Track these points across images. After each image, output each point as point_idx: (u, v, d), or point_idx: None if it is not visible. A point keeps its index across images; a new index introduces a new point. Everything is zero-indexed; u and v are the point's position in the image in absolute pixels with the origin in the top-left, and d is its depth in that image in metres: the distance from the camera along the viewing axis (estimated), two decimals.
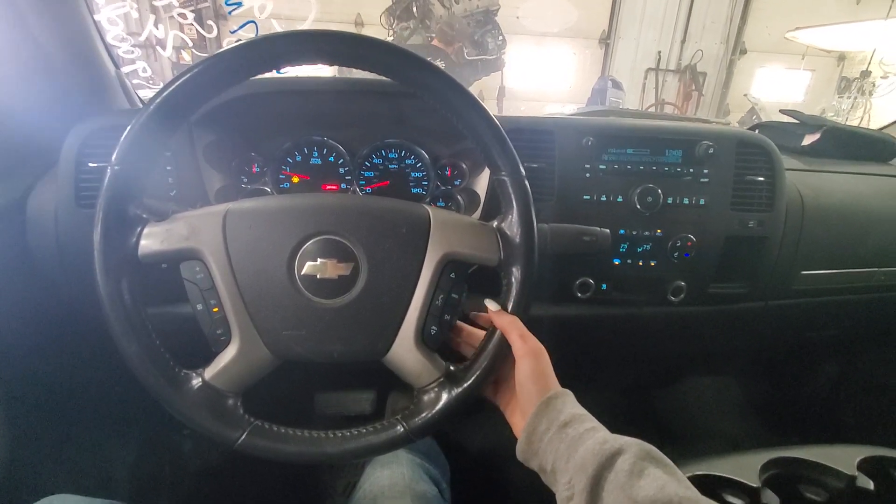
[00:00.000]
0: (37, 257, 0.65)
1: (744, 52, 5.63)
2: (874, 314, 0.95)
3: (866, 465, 0.58)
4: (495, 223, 0.48)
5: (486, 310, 0.49)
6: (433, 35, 3.37)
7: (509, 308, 0.47)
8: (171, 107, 0.41)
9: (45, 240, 0.64)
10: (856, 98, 5.00)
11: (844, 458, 0.58)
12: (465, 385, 0.46)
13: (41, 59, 0.66)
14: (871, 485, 0.56)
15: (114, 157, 0.41)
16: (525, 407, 0.45)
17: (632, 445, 0.37)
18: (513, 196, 0.46)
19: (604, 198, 0.70)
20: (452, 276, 0.47)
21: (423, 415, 0.46)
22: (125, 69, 0.79)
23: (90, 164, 0.61)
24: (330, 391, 0.99)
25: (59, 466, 0.76)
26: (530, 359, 0.45)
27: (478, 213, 0.70)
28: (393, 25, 3.86)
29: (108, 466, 0.86)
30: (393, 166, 0.76)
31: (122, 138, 0.41)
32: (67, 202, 0.62)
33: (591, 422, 0.42)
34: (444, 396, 0.47)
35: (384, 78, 0.44)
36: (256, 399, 0.51)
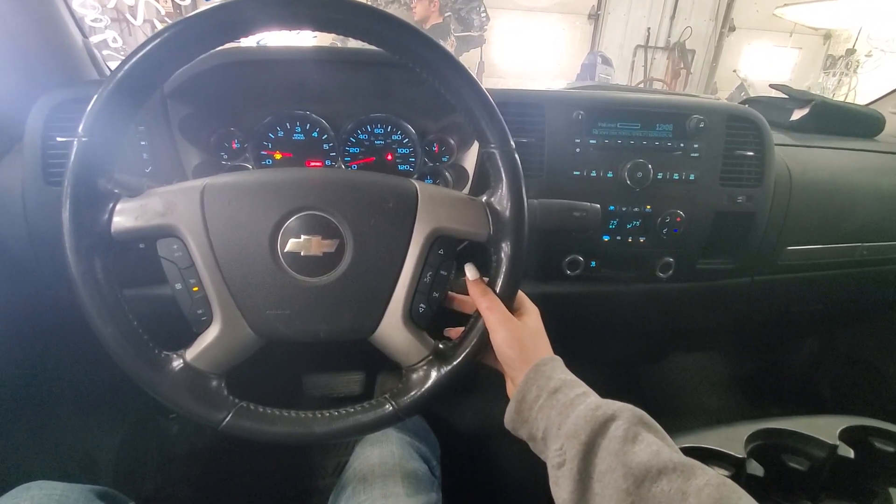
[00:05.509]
0: (5, 239, 0.62)
1: (732, 29, 5.59)
2: (857, 289, 0.97)
3: (847, 435, 0.59)
4: (484, 197, 0.47)
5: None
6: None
7: (498, 284, 0.46)
8: (140, 74, 0.39)
9: (12, 221, 0.61)
10: (842, 75, 5.03)
11: (826, 428, 0.60)
12: (455, 363, 0.46)
13: (1, 28, 0.62)
14: (851, 453, 0.58)
15: (80, 129, 0.39)
16: (510, 374, 0.45)
17: (624, 411, 0.37)
18: (502, 169, 0.44)
19: (594, 173, 0.69)
20: (441, 252, 0.46)
21: (412, 393, 0.46)
22: (94, 39, 0.75)
23: (58, 139, 0.58)
24: (318, 373, 0.99)
25: (39, 453, 0.74)
26: (501, 327, 0.44)
27: (466, 190, 0.69)
28: None
29: (93, 451, 0.85)
30: (379, 142, 0.74)
31: (89, 108, 0.39)
32: (35, 180, 0.59)
33: (581, 387, 0.41)
34: (433, 374, 0.46)
35: (368, 47, 0.42)
36: (243, 382, 0.50)
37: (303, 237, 0.43)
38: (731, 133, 0.72)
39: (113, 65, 0.77)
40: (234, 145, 0.71)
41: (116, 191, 0.42)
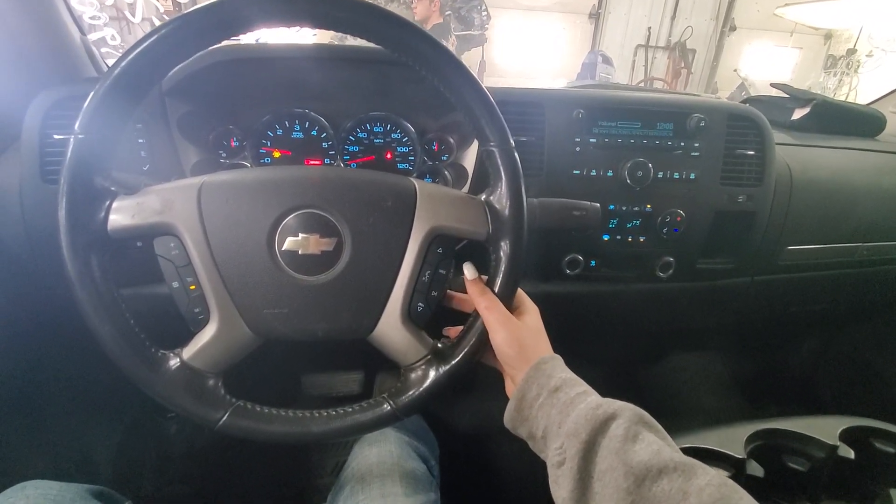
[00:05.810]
0: (2, 238, 0.62)
1: (733, 28, 5.59)
2: (857, 289, 0.97)
3: (847, 435, 0.59)
4: (483, 196, 0.46)
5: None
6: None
7: (497, 283, 0.45)
8: (138, 71, 0.38)
9: (10, 220, 0.61)
10: (843, 75, 5.03)
11: (827, 429, 0.60)
12: (453, 362, 0.46)
13: None
14: (851, 454, 0.57)
15: (77, 126, 0.38)
16: (510, 373, 0.45)
17: (625, 410, 0.37)
18: (501, 167, 0.44)
19: (594, 172, 0.69)
20: (439, 251, 0.46)
21: (411, 392, 0.46)
22: (92, 36, 0.75)
23: (55, 136, 0.58)
24: (317, 372, 0.99)
25: (36, 452, 0.74)
26: (500, 327, 0.44)
27: (466, 189, 0.68)
28: None
29: (90, 451, 0.85)
30: (378, 140, 0.74)
31: (86, 105, 0.38)
32: (32, 178, 0.59)
33: (582, 385, 0.41)
34: (432, 374, 0.46)
35: (368, 45, 0.41)
36: (241, 381, 0.50)
37: (301, 235, 0.43)
38: (732, 132, 0.72)
39: (111, 62, 0.77)
40: (233, 143, 0.70)
41: (113, 188, 0.42)
